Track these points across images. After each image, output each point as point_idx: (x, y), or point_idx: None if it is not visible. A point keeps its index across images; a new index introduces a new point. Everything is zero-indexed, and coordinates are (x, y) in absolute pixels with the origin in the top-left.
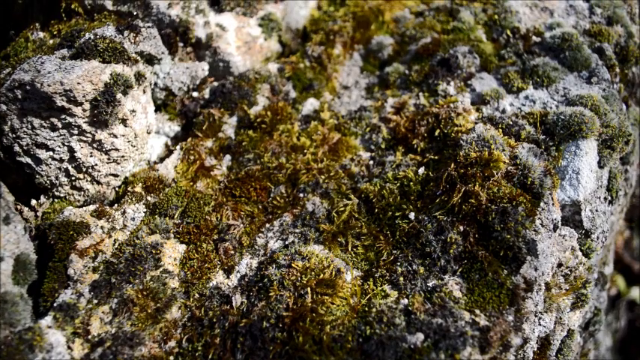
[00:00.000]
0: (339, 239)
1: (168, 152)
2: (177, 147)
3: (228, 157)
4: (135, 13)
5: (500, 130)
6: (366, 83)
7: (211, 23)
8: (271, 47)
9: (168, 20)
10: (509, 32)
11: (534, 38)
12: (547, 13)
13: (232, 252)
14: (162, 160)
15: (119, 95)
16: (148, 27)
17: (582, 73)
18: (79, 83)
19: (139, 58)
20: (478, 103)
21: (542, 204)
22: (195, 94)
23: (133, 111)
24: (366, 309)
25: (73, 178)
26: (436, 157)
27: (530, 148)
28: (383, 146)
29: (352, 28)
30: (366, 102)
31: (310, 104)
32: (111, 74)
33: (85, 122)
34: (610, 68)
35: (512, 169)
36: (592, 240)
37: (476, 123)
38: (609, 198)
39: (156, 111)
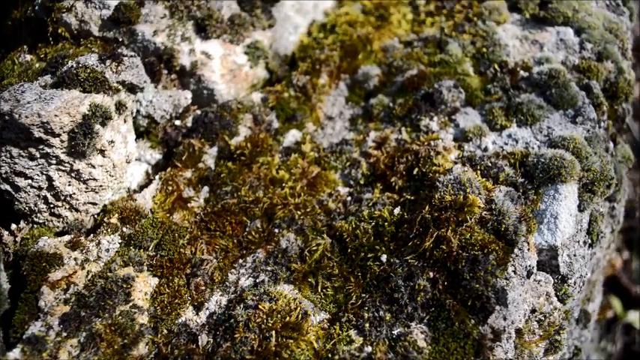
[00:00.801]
0: (309, 279)
1: (148, 181)
2: (157, 177)
3: (206, 188)
4: (120, 40)
5: (479, 172)
6: (351, 114)
7: (196, 51)
8: (258, 74)
9: (153, 47)
10: (496, 66)
11: (522, 73)
12: (537, 46)
13: (203, 288)
14: (142, 188)
15: (97, 127)
16: (131, 56)
17: (568, 111)
18: (56, 115)
19: (120, 87)
20: (461, 139)
21: (515, 250)
22: (177, 122)
23: (112, 142)
24: (330, 355)
25: (52, 206)
26: (412, 198)
27: (507, 192)
28: (362, 182)
29: (339, 57)
30: (349, 134)
31: (292, 135)
32: (90, 105)
33: (62, 153)
34: (597, 107)
35: (487, 215)
36: (569, 285)
37: (455, 162)
38: (590, 241)
39: (138, 137)
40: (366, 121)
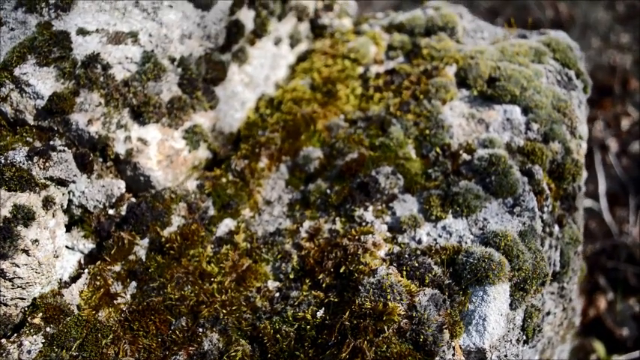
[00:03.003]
0: None
1: (78, 274)
2: (85, 271)
3: (134, 284)
4: (56, 128)
5: (405, 272)
6: (289, 199)
7: (133, 138)
8: (199, 156)
9: (87, 136)
10: (438, 149)
11: (465, 156)
12: (483, 125)
13: None
14: (73, 280)
15: (19, 228)
16: (61, 150)
17: (507, 200)
18: None
19: (49, 182)
20: (396, 229)
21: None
22: (111, 211)
23: (36, 240)
24: None
25: None
26: (337, 300)
27: (432, 296)
28: (291, 276)
29: (281, 138)
30: (285, 221)
31: (225, 225)
32: (12, 207)
33: None
34: (538, 194)
35: (406, 324)
36: None
37: (383, 260)
38: (524, 338)
39: (73, 225)
40: (303, 207)
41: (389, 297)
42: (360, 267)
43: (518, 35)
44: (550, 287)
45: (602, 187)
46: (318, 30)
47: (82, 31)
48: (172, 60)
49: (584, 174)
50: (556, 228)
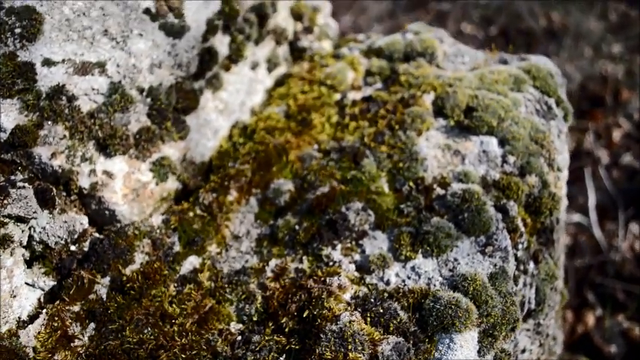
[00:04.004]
0: None
1: (36, 313)
2: (44, 310)
3: (93, 325)
4: (19, 162)
5: (369, 319)
6: (258, 234)
7: (98, 171)
8: (167, 188)
9: (50, 170)
10: (411, 183)
11: (438, 190)
12: (459, 157)
13: None
14: (31, 319)
15: None
16: (20, 187)
17: (479, 238)
18: None
19: (7, 220)
20: (364, 269)
21: None
22: (73, 247)
23: None
24: None
25: None
26: (298, 347)
27: (395, 345)
28: (255, 318)
29: (252, 170)
30: (253, 258)
31: (190, 263)
32: None
33: None
34: (512, 232)
35: None
36: None
37: (348, 304)
38: None
39: (35, 260)
40: (271, 244)
41: (350, 347)
42: (324, 312)
43: (500, 60)
44: (525, 324)
45: (591, 200)
46: (297, 52)
47: (47, 62)
48: (141, 90)
49: (564, 205)
50: (531, 265)
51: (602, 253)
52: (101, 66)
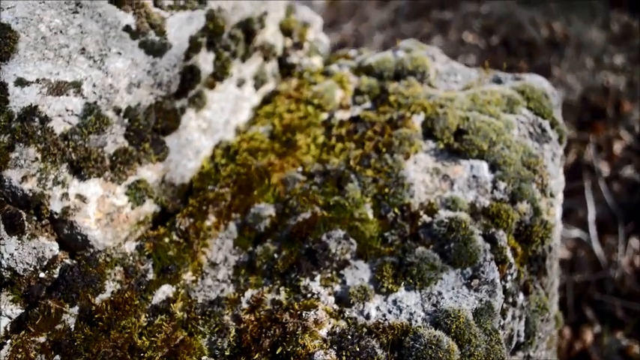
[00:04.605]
0: None
1: (1, 344)
2: (8, 341)
3: (58, 357)
4: None
5: (345, 358)
6: (236, 261)
7: (70, 195)
8: (144, 211)
9: (21, 194)
10: (397, 210)
11: (425, 217)
12: (448, 182)
13: None
14: None
15: None
16: None
17: (466, 270)
18: None
19: None
20: (344, 301)
21: None
22: (42, 274)
23: None
24: None
25: None
26: None
27: None
28: (227, 353)
29: (232, 194)
30: (229, 287)
31: (163, 292)
32: None
33: None
34: (501, 263)
35: None
36: None
37: (324, 341)
38: None
39: (1, 288)
40: (248, 272)
41: None
42: (298, 349)
43: (493, 79)
44: (514, 357)
45: (591, 215)
46: (286, 69)
47: (20, 82)
48: (118, 111)
49: (558, 231)
50: (521, 297)
51: (602, 269)
52: (77, 86)
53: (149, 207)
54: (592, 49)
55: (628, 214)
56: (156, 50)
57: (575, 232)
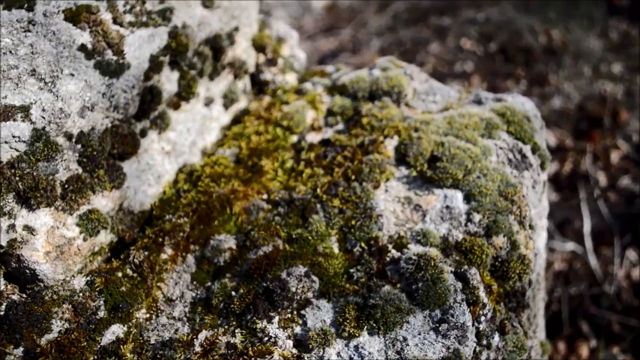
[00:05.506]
0: None
1: None
2: None
3: None
4: None
5: None
6: (193, 298)
7: (18, 226)
8: (99, 242)
9: None
10: (364, 244)
11: (393, 252)
12: (419, 213)
13: None
14: None
15: None
16: None
17: (434, 313)
18: None
19: None
20: (304, 345)
21: None
22: None
23: None
24: None
25: None
26: None
27: None
28: None
29: (191, 224)
30: (184, 327)
31: (112, 332)
32: None
33: None
34: (473, 304)
35: None
36: None
37: None
38: None
39: None
40: (205, 310)
41: None
42: None
43: (474, 99)
44: None
45: (587, 227)
46: (259, 86)
47: None
48: (69, 137)
49: (541, 261)
50: (496, 337)
51: (597, 283)
52: (25, 110)
53: (104, 237)
54: (590, 56)
55: (624, 225)
56: (112, 71)
57: (571, 245)
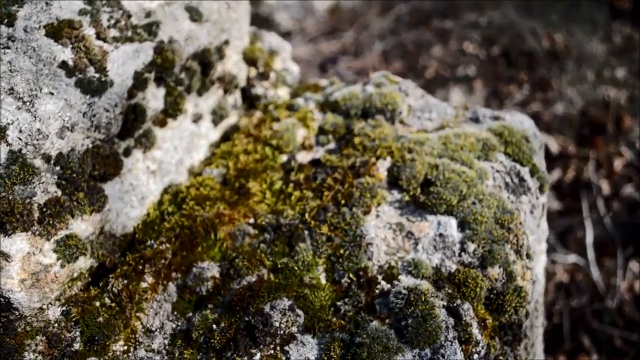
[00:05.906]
0: None
1: None
2: None
3: None
4: None
5: None
6: (173, 329)
7: None
8: (78, 267)
9: None
10: (352, 275)
11: (383, 284)
12: (411, 241)
13: None
14: None
15: None
16: None
17: (424, 352)
18: None
19: None
20: None
21: None
22: None
23: None
24: None
25: None
26: None
27: None
28: None
29: (173, 250)
30: None
31: None
32: None
33: None
34: (465, 342)
35: None
36: None
37: None
38: None
39: None
40: (185, 344)
41: None
42: None
43: (471, 116)
44: None
45: (589, 238)
46: (250, 100)
47: None
48: (47, 159)
49: (539, 288)
50: None
51: (600, 296)
52: (1, 131)
53: (84, 263)
54: (593, 61)
55: (627, 235)
56: (94, 89)
57: (572, 258)
